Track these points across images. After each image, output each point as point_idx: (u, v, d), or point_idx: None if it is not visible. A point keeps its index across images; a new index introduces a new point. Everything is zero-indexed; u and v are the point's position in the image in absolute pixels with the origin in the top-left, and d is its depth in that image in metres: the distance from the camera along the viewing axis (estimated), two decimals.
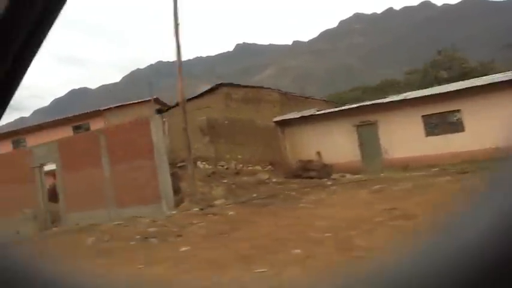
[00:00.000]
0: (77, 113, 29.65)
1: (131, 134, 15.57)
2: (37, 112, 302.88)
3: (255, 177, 16.18)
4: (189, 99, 18.82)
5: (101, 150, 16.24)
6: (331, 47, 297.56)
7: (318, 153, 18.11)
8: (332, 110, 19.70)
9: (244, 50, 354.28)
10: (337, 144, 18.97)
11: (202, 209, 13.25)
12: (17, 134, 30.76)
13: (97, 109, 28.55)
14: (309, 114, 19.54)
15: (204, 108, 17.32)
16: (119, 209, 15.63)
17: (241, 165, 17.38)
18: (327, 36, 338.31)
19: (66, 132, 27.27)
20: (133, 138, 15.42)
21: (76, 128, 28.39)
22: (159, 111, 18.42)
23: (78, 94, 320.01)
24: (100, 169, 16.20)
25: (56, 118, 30.05)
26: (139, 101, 30.59)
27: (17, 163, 18.42)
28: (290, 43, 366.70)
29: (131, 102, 30.07)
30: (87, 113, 28.97)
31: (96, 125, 27.10)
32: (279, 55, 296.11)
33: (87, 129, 27.24)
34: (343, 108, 19.37)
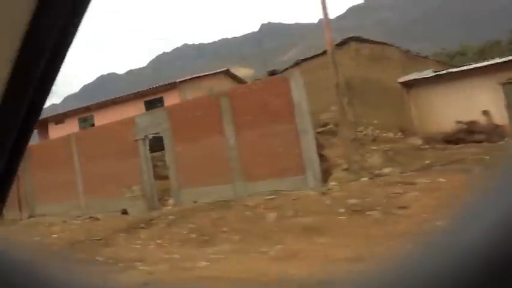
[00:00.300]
0: (150, 86, 27.77)
1: (263, 94, 13.33)
2: (67, 98, 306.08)
3: (405, 143, 13.87)
4: (313, 57, 16.63)
5: (223, 116, 14.09)
6: (359, 24, 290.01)
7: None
8: (473, 66, 16.96)
9: (270, 30, 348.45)
10: (476, 106, 16.35)
11: (371, 179, 11.06)
12: (84, 111, 29.18)
13: (172, 81, 26.57)
14: (444, 72, 16.92)
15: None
16: (248, 183, 13.54)
17: (377, 131, 15.07)
18: (354, 12, 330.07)
19: (138, 107, 25.47)
20: (266, 99, 13.19)
21: (148, 103, 26.51)
22: (273, 73, 16.11)
23: (107, 79, 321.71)
24: (222, 137, 14.06)
25: (129, 93, 28.20)
26: (213, 72, 28.75)
27: (117, 136, 16.54)
28: (316, 21, 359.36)
29: (205, 73, 28.18)
30: (160, 86, 27.02)
31: (170, 98, 25.21)
32: (305, 34, 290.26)
33: (161, 103, 25.36)
34: (486, 64, 16.61)
